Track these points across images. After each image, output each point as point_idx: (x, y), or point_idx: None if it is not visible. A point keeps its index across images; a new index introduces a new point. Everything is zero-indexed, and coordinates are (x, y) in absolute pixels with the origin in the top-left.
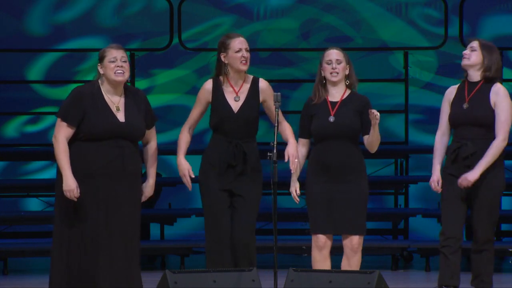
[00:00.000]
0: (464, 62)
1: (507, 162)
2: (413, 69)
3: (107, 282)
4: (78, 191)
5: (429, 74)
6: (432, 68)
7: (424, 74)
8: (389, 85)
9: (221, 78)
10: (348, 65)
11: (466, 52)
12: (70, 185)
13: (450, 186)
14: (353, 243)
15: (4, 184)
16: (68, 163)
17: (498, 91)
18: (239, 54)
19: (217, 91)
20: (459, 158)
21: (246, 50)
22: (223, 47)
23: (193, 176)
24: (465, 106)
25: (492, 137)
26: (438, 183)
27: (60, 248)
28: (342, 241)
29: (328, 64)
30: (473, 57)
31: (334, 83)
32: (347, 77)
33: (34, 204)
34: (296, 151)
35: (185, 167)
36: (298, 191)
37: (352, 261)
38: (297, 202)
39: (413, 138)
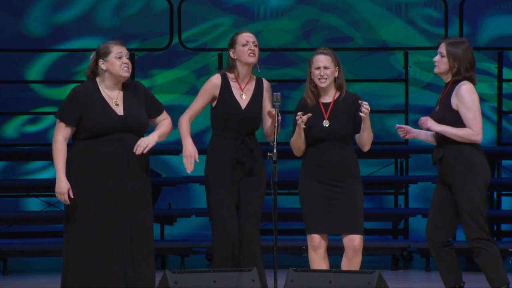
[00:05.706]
0: (435, 70)
1: (506, 162)
2: (413, 69)
3: (119, 281)
4: (70, 193)
5: (429, 74)
6: (432, 68)
7: (424, 74)
8: (389, 85)
9: (229, 74)
10: (337, 67)
11: (436, 58)
12: (62, 187)
13: (437, 189)
14: (355, 244)
15: (4, 184)
16: (63, 164)
17: (457, 92)
18: (246, 47)
19: (225, 86)
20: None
21: (254, 44)
22: (232, 43)
23: (197, 161)
24: (436, 109)
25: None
26: (405, 129)
27: (74, 249)
28: (343, 242)
29: (317, 69)
30: (441, 65)
31: (324, 87)
32: (336, 79)
33: (34, 204)
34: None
35: (193, 149)
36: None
37: (353, 262)
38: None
39: (413, 138)
